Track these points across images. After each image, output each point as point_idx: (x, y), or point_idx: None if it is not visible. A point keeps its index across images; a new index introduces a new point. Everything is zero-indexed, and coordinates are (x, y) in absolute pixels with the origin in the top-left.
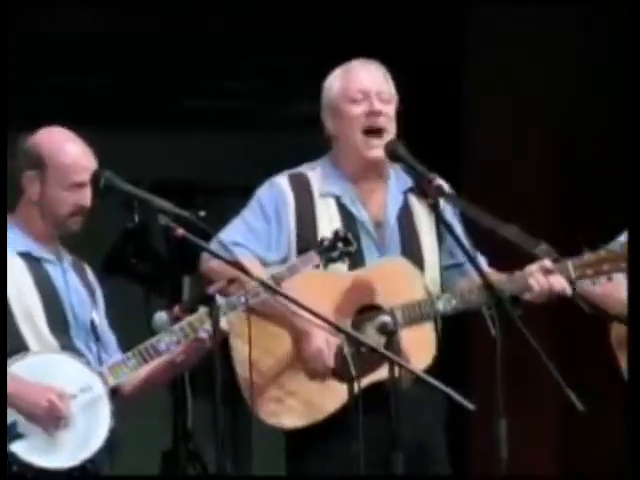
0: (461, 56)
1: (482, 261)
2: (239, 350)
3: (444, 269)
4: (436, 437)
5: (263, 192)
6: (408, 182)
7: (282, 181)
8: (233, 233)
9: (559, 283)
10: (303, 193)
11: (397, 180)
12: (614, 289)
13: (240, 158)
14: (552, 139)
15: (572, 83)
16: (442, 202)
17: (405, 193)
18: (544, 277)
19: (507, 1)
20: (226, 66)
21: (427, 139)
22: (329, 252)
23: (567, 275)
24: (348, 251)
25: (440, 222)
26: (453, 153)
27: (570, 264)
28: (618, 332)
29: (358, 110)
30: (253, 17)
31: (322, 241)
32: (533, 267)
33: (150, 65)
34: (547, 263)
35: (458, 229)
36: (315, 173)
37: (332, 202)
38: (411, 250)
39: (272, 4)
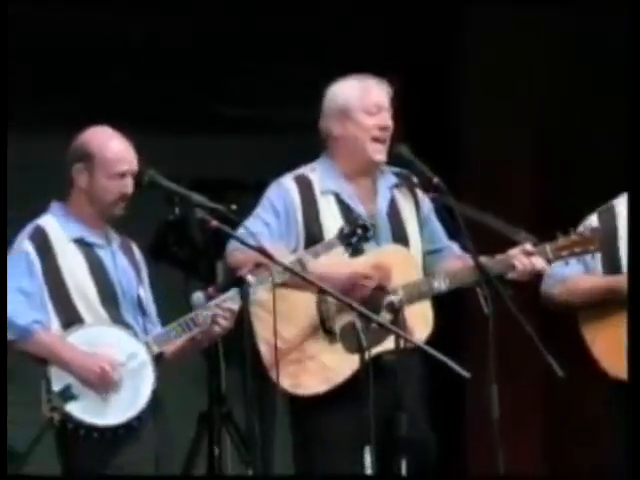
0: (459, 56)
1: (455, 247)
2: (262, 319)
3: (426, 254)
4: (420, 405)
5: (272, 192)
6: (392, 180)
7: (288, 182)
8: (253, 224)
9: (539, 263)
10: (306, 192)
11: (384, 178)
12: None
13: (266, 159)
14: (545, 138)
15: (570, 83)
16: (421, 195)
17: (391, 189)
18: (526, 258)
19: (505, 1)
20: (255, 77)
21: (422, 137)
22: (349, 238)
23: (545, 256)
24: (366, 237)
25: (448, 214)
26: (448, 151)
27: (548, 247)
28: (586, 323)
29: (372, 121)
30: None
31: (342, 229)
32: (515, 250)
33: (194, 77)
34: (528, 246)
35: (433, 221)
36: (315, 173)
37: (332, 198)
38: (399, 238)
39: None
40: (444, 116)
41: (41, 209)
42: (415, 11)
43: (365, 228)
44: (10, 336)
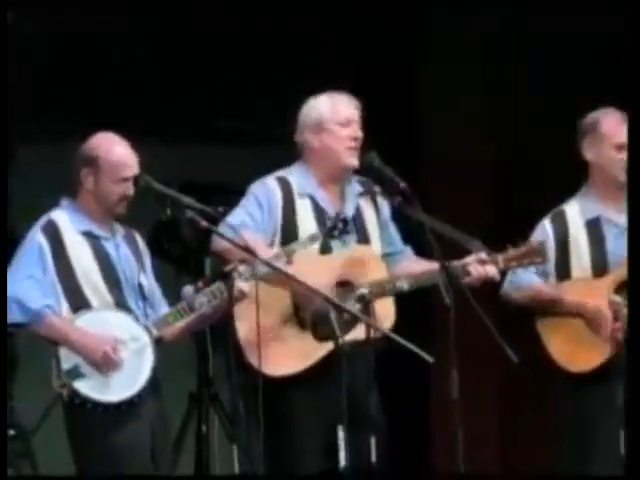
0: (419, 56)
1: (409, 251)
2: (243, 308)
3: (387, 255)
4: (371, 386)
5: (257, 188)
6: (358, 188)
7: (271, 182)
8: (237, 217)
9: (492, 271)
10: (287, 193)
11: (350, 186)
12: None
13: (250, 166)
14: (497, 136)
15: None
16: (380, 202)
17: (357, 196)
18: (481, 266)
19: (464, 5)
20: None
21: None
22: (332, 231)
23: (497, 266)
24: (346, 230)
25: (412, 222)
26: (410, 149)
27: (500, 257)
28: (542, 322)
29: (345, 132)
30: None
31: (322, 226)
32: (471, 258)
33: (187, 93)
34: (483, 255)
35: (391, 226)
36: (293, 177)
37: (308, 201)
38: (362, 241)
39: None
40: (410, 118)
41: None
42: (375, 11)
43: (346, 222)
44: (23, 319)
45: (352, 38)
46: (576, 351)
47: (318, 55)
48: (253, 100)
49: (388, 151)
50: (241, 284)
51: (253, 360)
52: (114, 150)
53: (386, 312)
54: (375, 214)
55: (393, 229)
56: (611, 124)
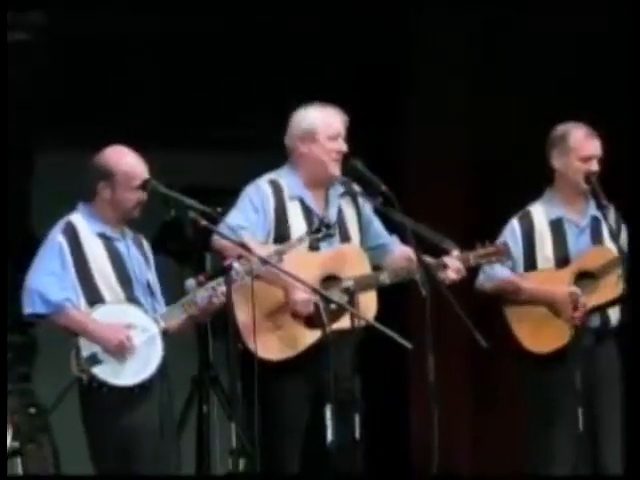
0: (402, 56)
1: (396, 240)
2: (242, 300)
3: (372, 249)
4: (355, 370)
5: (251, 190)
6: (340, 189)
7: (264, 185)
8: (235, 219)
9: (463, 268)
10: (278, 195)
11: (333, 189)
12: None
13: (244, 170)
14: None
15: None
16: (361, 202)
17: (339, 198)
18: (458, 262)
19: (448, 7)
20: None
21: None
22: (316, 234)
23: (468, 262)
24: (330, 234)
25: (398, 218)
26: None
27: (471, 255)
28: (509, 310)
29: (333, 146)
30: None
31: (312, 226)
32: (447, 257)
33: (185, 104)
34: (456, 253)
35: (375, 221)
36: (284, 180)
37: (297, 203)
38: (344, 239)
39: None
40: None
41: None
42: (367, 16)
43: (329, 226)
44: (45, 310)
45: (338, 38)
46: (539, 335)
47: (314, 56)
48: (246, 110)
49: (371, 154)
50: (223, 288)
51: (250, 346)
52: (126, 162)
53: (369, 304)
54: (356, 213)
55: (377, 223)
56: (579, 138)
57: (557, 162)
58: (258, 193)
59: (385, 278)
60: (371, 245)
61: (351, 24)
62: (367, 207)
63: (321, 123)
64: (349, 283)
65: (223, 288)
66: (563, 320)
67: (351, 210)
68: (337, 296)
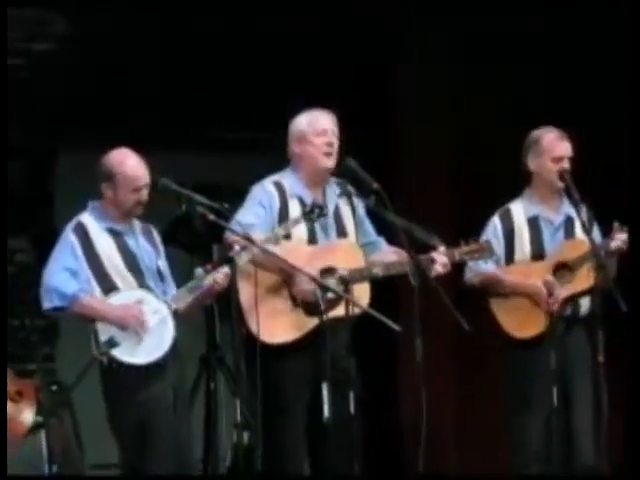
0: (389, 56)
1: (383, 240)
2: (245, 286)
3: (364, 245)
4: (350, 352)
5: (258, 190)
6: (336, 189)
7: (269, 185)
8: (246, 216)
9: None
10: (281, 194)
11: (331, 189)
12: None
13: (252, 170)
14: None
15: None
16: (356, 201)
17: (336, 197)
18: (444, 258)
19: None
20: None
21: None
22: (310, 214)
23: (454, 258)
24: (322, 213)
25: (386, 214)
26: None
27: (456, 251)
28: (493, 300)
29: (321, 140)
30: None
31: (305, 208)
32: (435, 253)
33: (193, 109)
34: (442, 249)
35: (366, 221)
36: (286, 181)
37: (296, 201)
38: (341, 234)
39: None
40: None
41: None
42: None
43: (321, 208)
44: (62, 303)
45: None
46: (520, 322)
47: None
48: (248, 113)
49: (362, 152)
50: (226, 269)
51: (253, 329)
52: (127, 165)
53: (362, 295)
54: (351, 211)
55: (368, 224)
56: (550, 140)
57: (532, 164)
58: (265, 193)
59: (378, 271)
60: (363, 242)
61: (344, 25)
62: (360, 207)
63: (308, 123)
64: (344, 272)
65: (223, 275)
66: (541, 309)
67: (347, 208)
68: (334, 285)
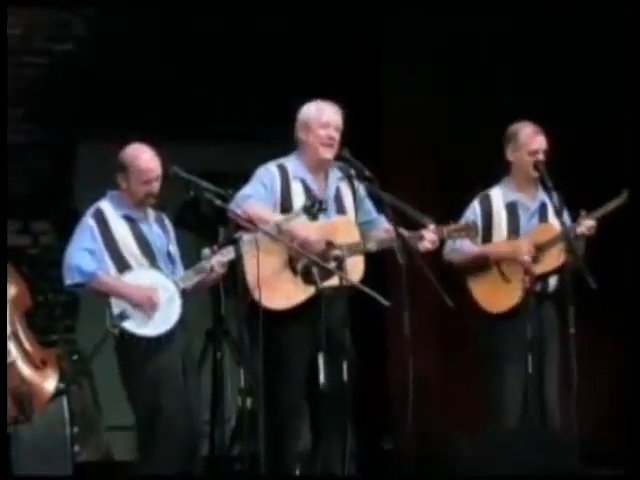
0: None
1: (383, 218)
2: (251, 259)
3: (364, 223)
4: (345, 323)
5: (261, 171)
6: (338, 174)
7: (272, 167)
8: (247, 190)
9: (437, 240)
10: (284, 176)
11: (332, 172)
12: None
13: (254, 158)
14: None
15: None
16: (357, 184)
17: (337, 180)
18: (433, 235)
19: (420, 10)
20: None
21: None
22: (311, 209)
23: (442, 235)
24: (322, 208)
25: (376, 196)
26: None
27: (444, 229)
28: (469, 277)
29: (323, 133)
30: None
31: (306, 202)
32: (424, 230)
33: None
34: (432, 227)
35: (367, 201)
36: (290, 164)
37: (299, 183)
38: (341, 211)
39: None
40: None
41: None
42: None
43: (321, 203)
44: (82, 280)
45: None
46: (494, 297)
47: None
48: (253, 105)
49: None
50: (225, 258)
51: (256, 297)
52: (141, 159)
53: (357, 267)
54: (351, 192)
55: (368, 203)
56: (527, 135)
57: (511, 156)
58: (267, 173)
59: (372, 246)
60: (363, 220)
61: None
62: (361, 189)
63: (314, 114)
64: (339, 252)
65: (227, 257)
66: (513, 285)
67: (347, 190)
68: (333, 256)
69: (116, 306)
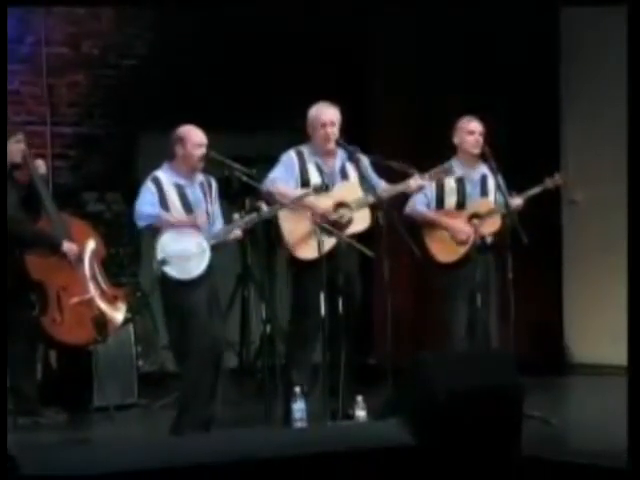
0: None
1: (383, 183)
2: (285, 219)
3: (369, 187)
4: (357, 274)
5: (284, 156)
6: (343, 155)
7: (292, 152)
8: (273, 173)
9: (423, 183)
10: (301, 159)
11: (340, 152)
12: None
13: (273, 144)
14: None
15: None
16: (360, 156)
17: (342, 159)
18: (418, 180)
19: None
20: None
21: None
22: (320, 190)
23: (426, 179)
24: (326, 188)
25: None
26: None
27: (427, 175)
28: (426, 232)
29: (324, 130)
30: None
31: (315, 185)
32: (411, 179)
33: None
34: (417, 175)
35: (370, 169)
36: (306, 150)
37: (314, 165)
38: (346, 178)
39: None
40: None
41: None
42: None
43: (327, 186)
44: (149, 222)
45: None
46: (444, 250)
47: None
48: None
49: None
50: (237, 232)
51: (289, 247)
52: (192, 130)
53: (365, 217)
54: (354, 165)
55: (370, 170)
56: (463, 121)
57: (455, 139)
58: (288, 158)
59: (371, 199)
60: (368, 185)
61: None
62: (364, 159)
63: (315, 114)
64: (343, 214)
65: (244, 225)
66: (458, 240)
67: (351, 165)
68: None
69: (160, 252)
